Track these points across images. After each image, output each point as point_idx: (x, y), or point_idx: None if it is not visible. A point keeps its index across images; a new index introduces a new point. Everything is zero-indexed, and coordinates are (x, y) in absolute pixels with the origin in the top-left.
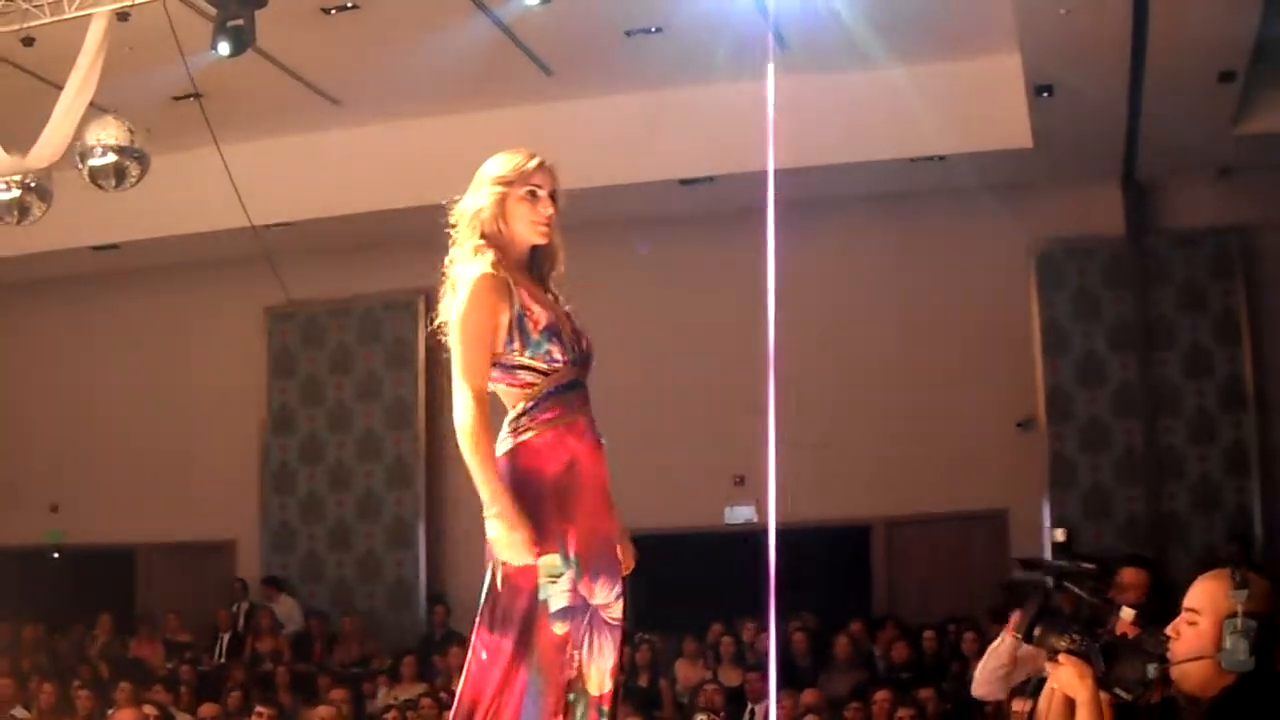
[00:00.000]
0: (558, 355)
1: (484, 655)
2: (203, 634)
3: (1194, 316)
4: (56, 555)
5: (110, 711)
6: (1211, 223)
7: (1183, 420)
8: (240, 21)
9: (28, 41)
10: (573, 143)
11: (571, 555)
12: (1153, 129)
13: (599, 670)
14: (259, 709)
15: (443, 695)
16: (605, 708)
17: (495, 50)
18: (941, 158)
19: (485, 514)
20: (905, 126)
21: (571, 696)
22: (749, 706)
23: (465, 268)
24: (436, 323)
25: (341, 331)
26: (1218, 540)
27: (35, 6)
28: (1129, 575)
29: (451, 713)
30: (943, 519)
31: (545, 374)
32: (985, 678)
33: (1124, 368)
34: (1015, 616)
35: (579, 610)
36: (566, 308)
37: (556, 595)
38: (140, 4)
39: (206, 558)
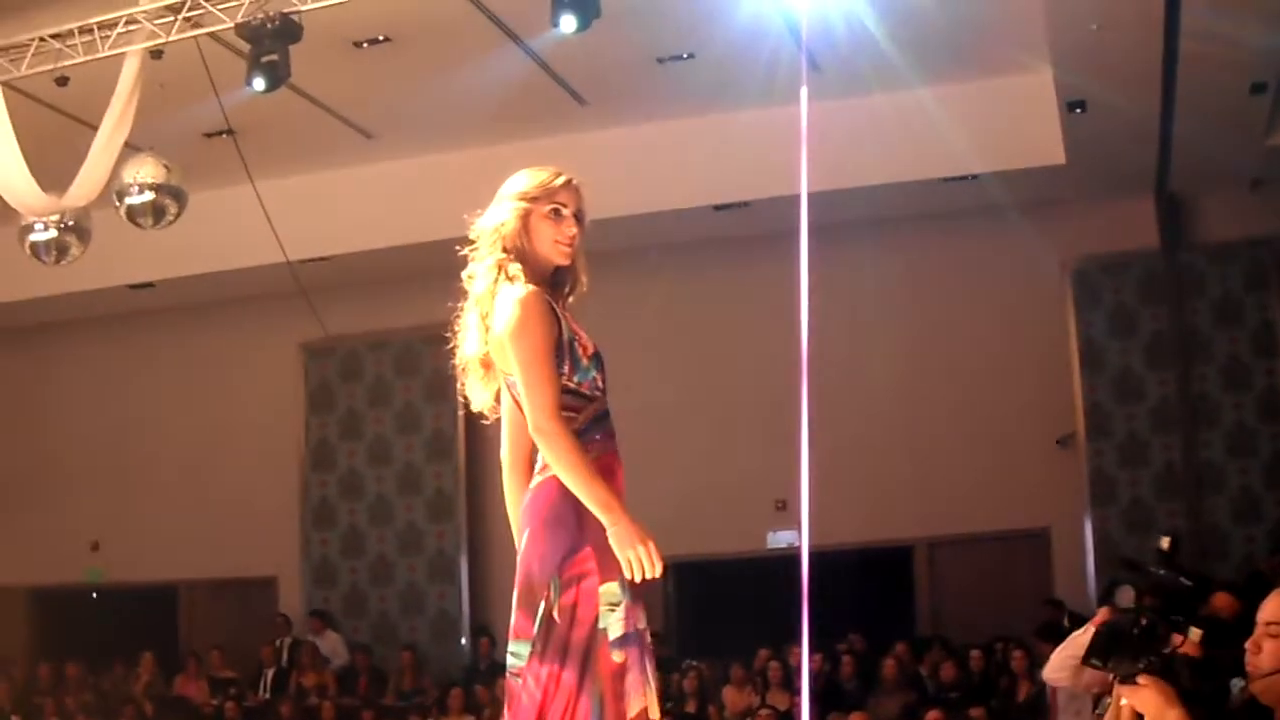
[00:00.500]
0: (600, 383)
1: (540, 687)
2: (246, 670)
3: (1230, 329)
4: (95, 595)
5: None
6: (1245, 235)
7: (1221, 434)
8: (274, 56)
9: (62, 81)
10: (607, 171)
11: (626, 581)
12: (1185, 142)
13: (653, 693)
14: None
15: None
16: None
17: (528, 81)
18: (974, 177)
19: (609, 528)
20: (937, 146)
21: None
22: None
23: (507, 289)
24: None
25: (379, 365)
26: (1259, 553)
27: (69, 46)
28: (1222, 600)
29: None
30: (985, 538)
31: (589, 400)
32: (1060, 664)
33: (1161, 383)
34: (1102, 613)
35: (633, 638)
36: None
37: (614, 624)
38: (173, 41)
39: (249, 594)
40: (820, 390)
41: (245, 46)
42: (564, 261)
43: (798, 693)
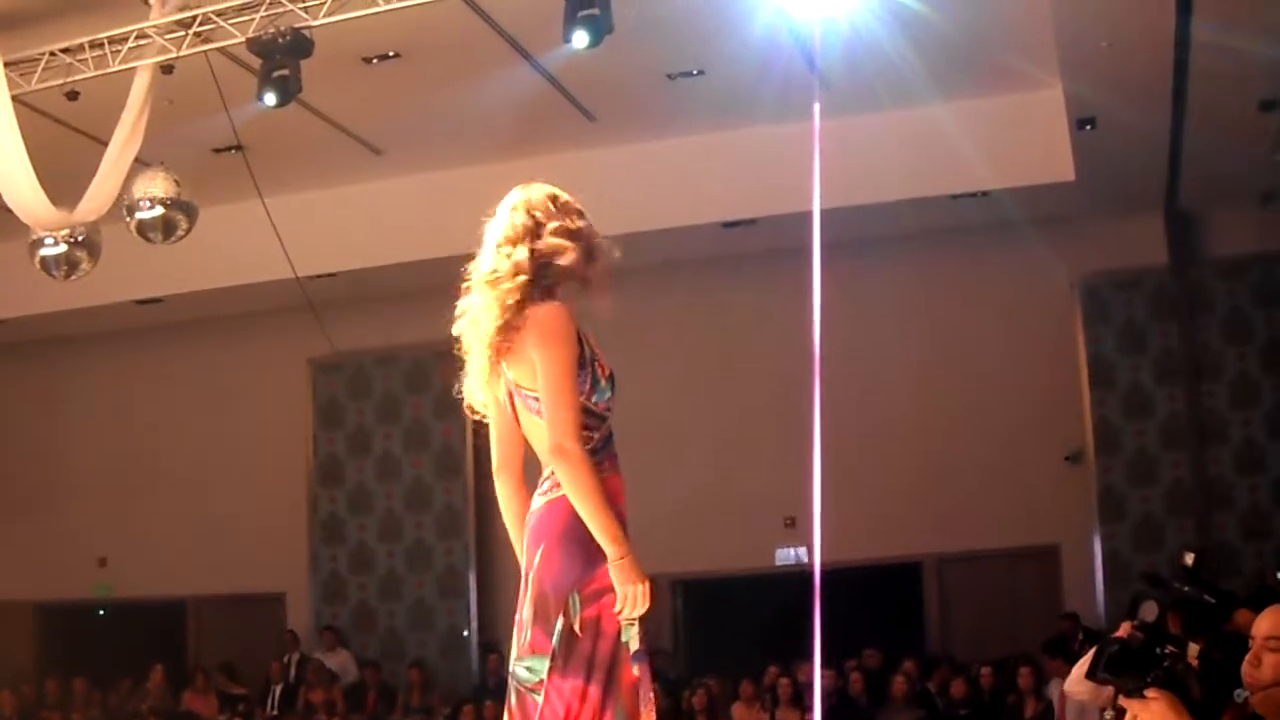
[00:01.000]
0: (610, 405)
1: (563, 701)
2: (254, 686)
3: (1240, 346)
4: (103, 612)
5: None
6: (1255, 251)
7: (1231, 450)
8: (285, 71)
9: (72, 96)
10: (617, 187)
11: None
12: (1195, 159)
13: (653, 710)
14: None
15: None
16: None
17: (538, 97)
18: (984, 193)
19: (610, 560)
20: (947, 163)
21: None
22: None
23: (540, 303)
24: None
25: (388, 381)
26: (1268, 569)
27: (79, 60)
28: (1245, 616)
29: None
30: (994, 555)
31: (602, 420)
32: (1080, 676)
33: (1171, 399)
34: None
35: (644, 654)
36: None
37: (634, 638)
38: (184, 56)
39: (257, 610)
40: (829, 406)
41: (255, 61)
42: (604, 290)
43: (808, 709)
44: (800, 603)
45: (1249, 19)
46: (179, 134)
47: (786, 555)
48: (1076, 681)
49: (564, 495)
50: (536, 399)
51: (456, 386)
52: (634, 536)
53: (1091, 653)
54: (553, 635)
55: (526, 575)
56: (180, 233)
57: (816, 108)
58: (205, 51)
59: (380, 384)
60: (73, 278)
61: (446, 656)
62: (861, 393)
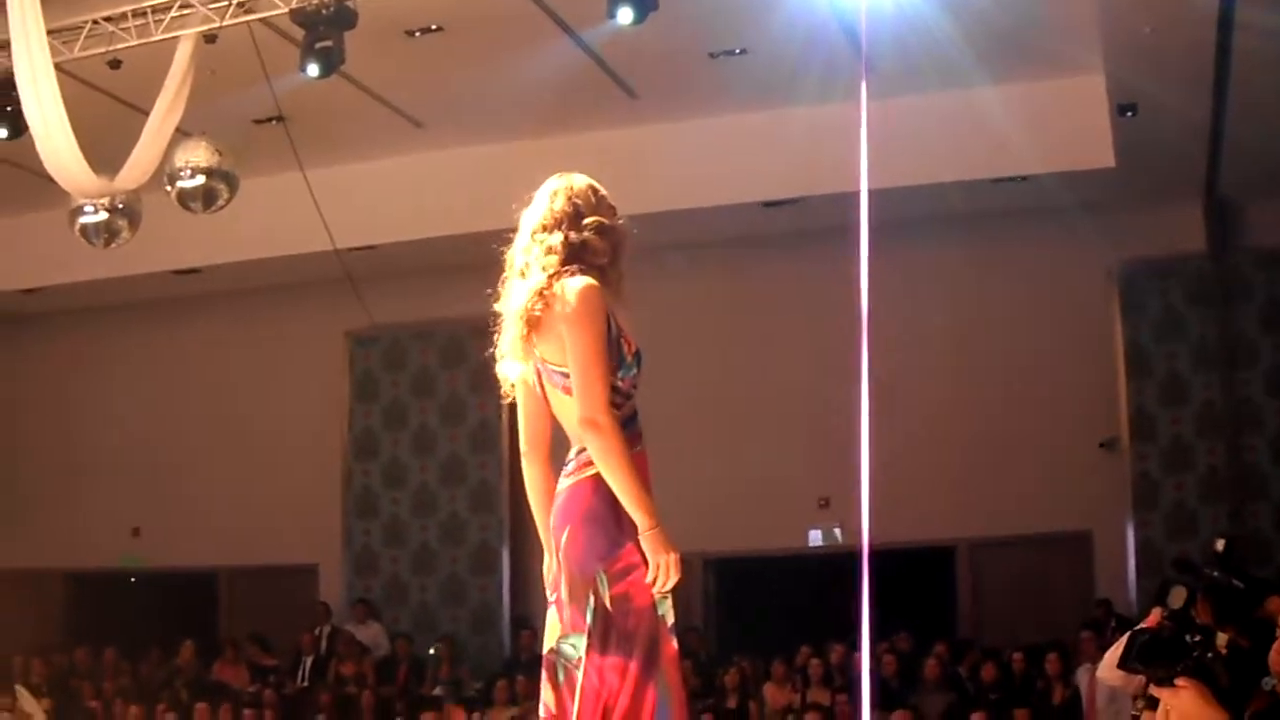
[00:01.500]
0: (636, 382)
1: (601, 678)
2: (285, 658)
3: (1276, 335)
4: (133, 580)
5: None
6: None
7: (1266, 439)
8: (329, 43)
9: (114, 64)
10: (657, 165)
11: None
12: (1235, 147)
13: None
14: None
15: (531, 719)
16: None
17: (579, 73)
18: (1024, 178)
19: (641, 530)
20: (988, 146)
21: None
22: None
23: (572, 277)
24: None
25: (424, 355)
26: None
27: (122, 29)
28: (1276, 604)
29: None
30: (1026, 540)
31: (627, 397)
32: (1113, 661)
33: (1207, 388)
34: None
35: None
36: None
37: (669, 611)
38: (226, 26)
39: (289, 581)
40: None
41: (297, 32)
42: (618, 295)
43: (839, 690)
44: (832, 583)
45: None
46: (220, 104)
47: (818, 536)
48: (1109, 668)
49: (587, 477)
50: (564, 375)
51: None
52: (666, 514)
53: (1124, 640)
54: (586, 614)
55: (555, 555)
56: (221, 202)
57: (864, 87)
58: (248, 22)
59: (416, 358)
60: (112, 245)
61: (478, 631)
62: (897, 376)
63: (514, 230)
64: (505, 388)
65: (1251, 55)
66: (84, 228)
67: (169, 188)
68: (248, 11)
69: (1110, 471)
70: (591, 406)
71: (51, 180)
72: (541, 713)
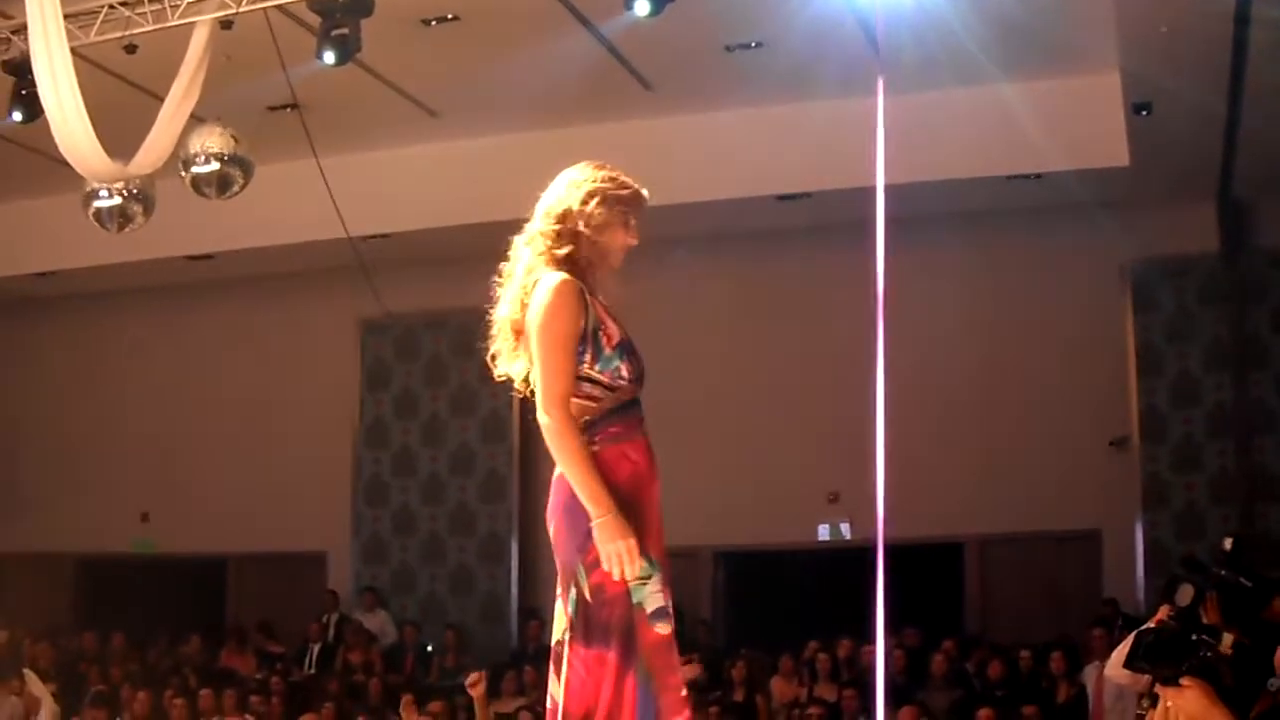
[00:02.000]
0: (625, 373)
1: (586, 669)
2: (293, 645)
3: None
4: (145, 563)
5: None
6: None
7: (1276, 440)
8: (345, 30)
9: (130, 49)
10: (671, 158)
11: (654, 559)
12: (1249, 147)
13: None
14: None
15: (538, 709)
16: None
17: (595, 64)
18: (1038, 175)
19: (593, 520)
20: (1002, 144)
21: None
22: None
23: (546, 274)
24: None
25: (436, 344)
26: None
27: (138, 14)
28: None
29: None
30: (1035, 538)
31: (610, 389)
32: (1120, 660)
33: (1218, 388)
34: (1161, 612)
35: (672, 613)
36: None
37: (650, 596)
38: (243, 13)
39: (298, 569)
40: (875, 384)
41: (313, 20)
42: (616, 267)
43: (846, 684)
44: (841, 578)
45: None
46: (235, 91)
47: (827, 530)
48: (1116, 666)
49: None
50: None
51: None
52: (678, 507)
53: (1131, 639)
54: (570, 606)
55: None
56: (235, 188)
57: (880, 83)
58: (264, 8)
59: (428, 347)
60: (126, 230)
61: (486, 621)
62: (907, 371)
63: (527, 220)
64: (518, 384)
65: (1267, 55)
66: (98, 212)
67: (183, 173)
68: None
69: (1120, 470)
70: (543, 402)
71: (66, 164)
72: (548, 704)
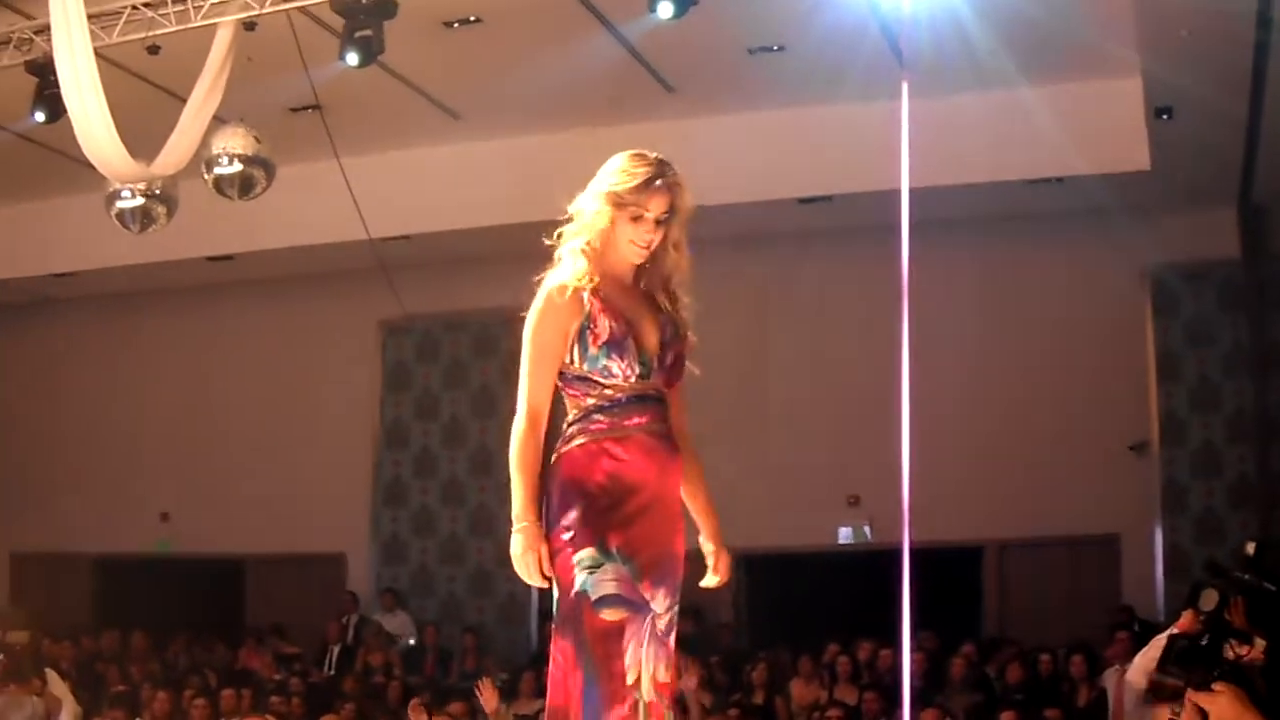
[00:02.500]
0: (615, 370)
1: (555, 662)
2: (311, 646)
3: None
4: (163, 561)
5: None
6: None
7: None
8: (368, 32)
9: (153, 50)
10: (693, 160)
11: (614, 550)
12: (1271, 152)
13: (647, 678)
14: None
15: None
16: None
17: (617, 66)
18: (1059, 180)
19: (513, 533)
20: (1023, 148)
21: (637, 692)
22: None
23: (549, 274)
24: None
25: (456, 346)
26: None
27: (161, 15)
28: None
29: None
30: (1054, 542)
31: (601, 386)
32: (1144, 666)
33: (1238, 393)
34: (1186, 617)
35: (636, 604)
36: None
37: (596, 584)
38: (266, 14)
39: (317, 570)
40: (894, 388)
41: (335, 21)
42: (637, 261)
43: (866, 687)
44: (861, 581)
45: None
46: (257, 92)
47: (848, 533)
48: (1139, 671)
49: (551, 464)
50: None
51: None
52: None
53: (1154, 643)
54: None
55: None
56: (258, 189)
57: (904, 87)
58: (287, 10)
59: (448, 348)
60: (148, 231)
61: (505, 623)
62: (927, 374)
63: (549, 222)
64: None
65: None
66: (120, 213)
67: (206, 174)
68: (287, 0)
69: (1139, 475)
70: (518, 405)
71: (87, 164)
72: None
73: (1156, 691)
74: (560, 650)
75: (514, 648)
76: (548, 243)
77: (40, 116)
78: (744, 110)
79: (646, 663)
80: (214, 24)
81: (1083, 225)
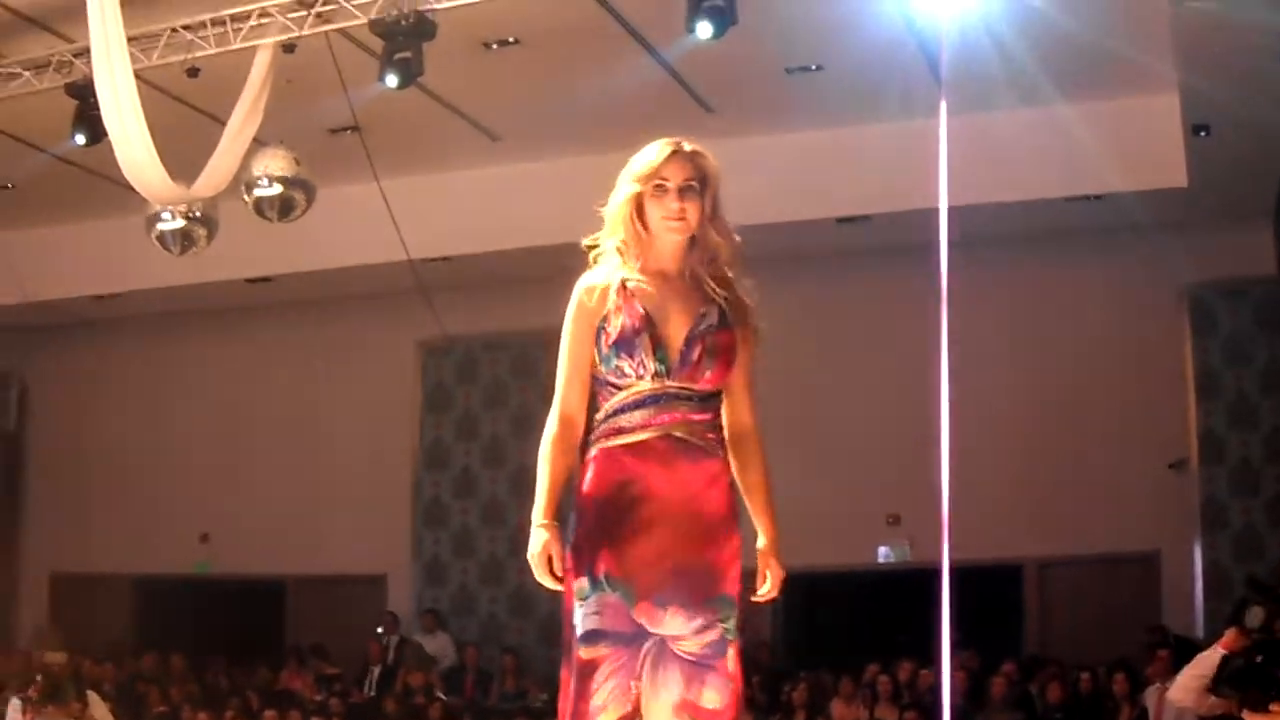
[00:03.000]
0: (627, 369)
1: (562, 688)
2: (352, 667)
3: None
4: (203, 582)
5: None
6: None
7: None
8: (408, 54)
9: (192, 72)
10: (732, 181)
11: (601, 577)
12: None
13: (660, 706)
14: None
15: None
16: None
17: (656, 87)
18: (1096, 197)
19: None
20: (1061, 165)
21: None
22: None
23: (587, 273)
24: None
25: (496, 366)
26: None
27: (200, 37)
28: None
29: None
30: (1094, 560)
31: (617, 387)
32: (1186, 684)
33: (1276, 411)
34: (1230, 634)
35: (620, 636)
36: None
37: (581, 618)
38: (305, 36)
39: (358, 591)
40: (934, 407)
41: (374, 43)
42: (676, 237)
43: (907, 707)
44: (901, 600)
45: None
46: (296, 114)
47: (888, 553)
48: (1181, 689)
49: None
50: None
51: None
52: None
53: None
54: None
55: None
56: (298, 211)
57: (943, 105)
58: (326, 32)
59: (488, 369)
60: (188, 252)
61: (545, 643)
62: (966, 393)
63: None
64: None
65: None
66: (161, 235)
67: (246, 196)
68: (326, 22)
69: (1178, 493)
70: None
71: (128, 187)
72: None
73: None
74: (562, 679)
75: (554, 668)
76: (585, 244)
77: (81, 139)
78: (782, 130)
79: (653, 692)
80: (253, 46)
81: (1120, 242)
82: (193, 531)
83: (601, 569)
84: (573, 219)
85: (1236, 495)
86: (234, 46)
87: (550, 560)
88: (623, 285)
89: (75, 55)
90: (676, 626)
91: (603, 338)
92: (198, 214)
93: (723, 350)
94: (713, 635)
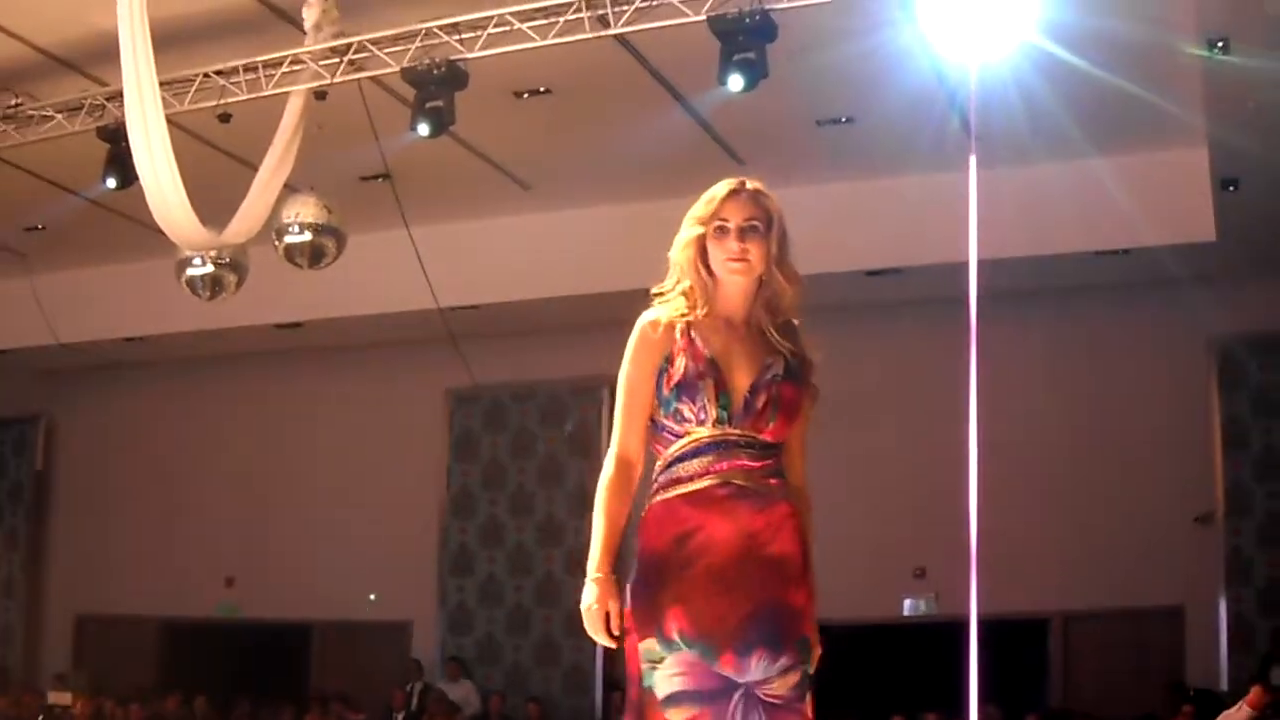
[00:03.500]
0: (687, 414)
1: None
2: (376, 714)
3: None
4: (229, 627)
5: None
6: None
7: None
8: (440, 103)
9: (224, 118)
10: None
11: (675, 637)
12: None
13: None
14: None
15: None
16: None
17: (686, 138)
18: (1126, 251)
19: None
20: (1088, 219)
21: None
22: None
23: (649, 310)
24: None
25: (524, 415)
26: None
27: (232, 83)
28: None
29: None
30: (1119, 614)
31: (676, 435)
32: None
33: None
34: (1255, 691)
35: (710, 694)
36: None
37: (661, 681)
38: (337, 84)
39: (383, 637)
40: (961, 459)
41: (406, 91)
42: (739, 279)
43: None
44: (926, 653)
45: None
46: (328, 160)
47: (913, 605)
48: None
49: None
50: None
51: (595, 424)
52: None
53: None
54: None
55: None
56: (328, 259)
57: (972, 159)
58: (358, 79)
59: (516, 418)
60: (217, 298)
61: (570, 693)
62: (992, 446)
63: (618, 293)
64: None
65: None
66: (191, 280)
67: (276, 242)
68: (359, 69)
69: (1204, 546)
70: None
71: (158, 231)
72: None
73: None
74: None
75: (578, 717)
76: (654, 291)
77: (112, 183)
78: (813, 182)
79: None
80: (285, 93)
81: (1149, 296)
82: (219, 575)
83: (673, 628)
84: (603, 268)
85: (1262, 548)
86: (266, 93)
87: (608, 617)
88: (687, 326)
89: (107, 99)
90: (763, 670)
91: (664, 379)
92: (227, 259)
93: (787, 404)
94: (796, 676)
